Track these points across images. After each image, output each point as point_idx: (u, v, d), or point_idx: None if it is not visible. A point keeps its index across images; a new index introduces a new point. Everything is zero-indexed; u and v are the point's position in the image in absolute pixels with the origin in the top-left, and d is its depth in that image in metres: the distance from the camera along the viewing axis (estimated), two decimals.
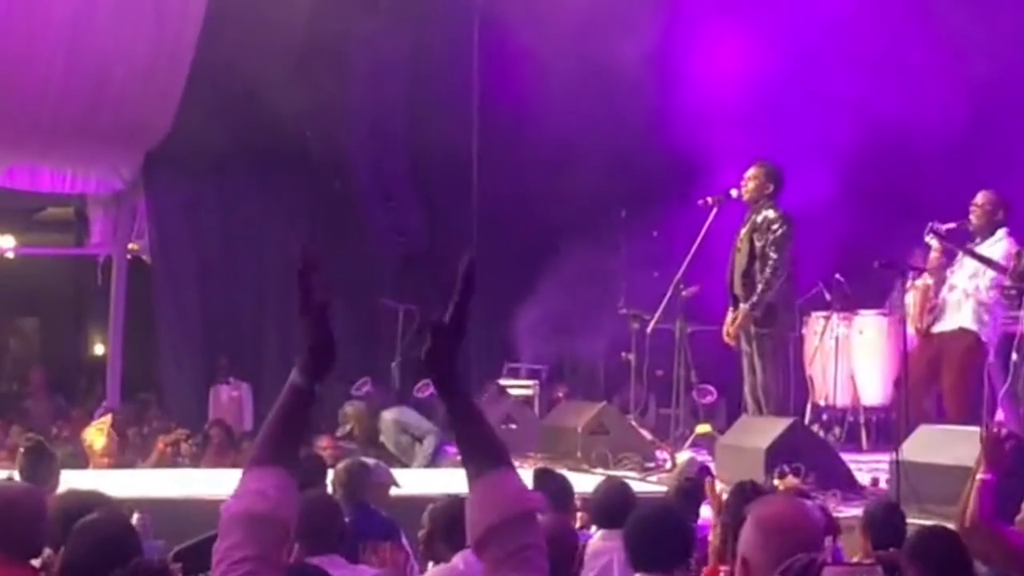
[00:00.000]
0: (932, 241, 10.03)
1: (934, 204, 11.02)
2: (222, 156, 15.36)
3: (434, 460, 12.20)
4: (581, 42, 13.93)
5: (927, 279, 10.58)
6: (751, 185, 10.73)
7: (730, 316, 10.83)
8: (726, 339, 10.94)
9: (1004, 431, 5.87)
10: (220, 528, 2.49)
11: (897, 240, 10.84)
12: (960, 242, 10.14)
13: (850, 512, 7.84)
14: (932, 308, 10.35)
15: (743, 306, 10.55)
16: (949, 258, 10.26)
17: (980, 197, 10.13)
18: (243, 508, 2.48)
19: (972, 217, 10.09)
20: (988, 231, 10.05)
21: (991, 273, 9.93)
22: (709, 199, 11.11)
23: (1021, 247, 9.88)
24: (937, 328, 10.31)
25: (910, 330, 11.00)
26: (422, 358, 2.56)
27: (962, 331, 10.11)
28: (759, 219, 10.64)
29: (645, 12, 14.21)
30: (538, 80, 14.56)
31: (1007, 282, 9.71)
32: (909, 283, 10.99)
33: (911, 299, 10.86)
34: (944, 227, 10.09)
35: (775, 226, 10.54)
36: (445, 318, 2.56)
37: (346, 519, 6.12)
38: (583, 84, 14.34)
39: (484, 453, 2.56)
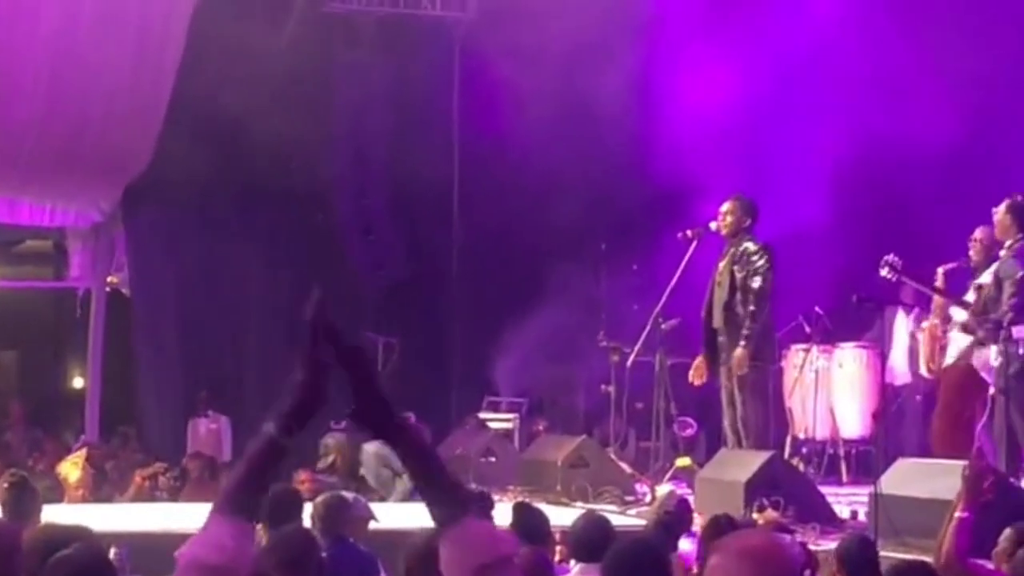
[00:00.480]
0: (888, 275, 9.89)
1: (920, 237, 10.99)
2: (202, 188, 15.31)
3: (413, 495, 12.13)
4: (561, 73, 13.98)
5: (933, 320, 10.53)
6: (728, 220, 10.76)
7: (699, 359, 10.88)
8: (692, 378, 10.96)
9: (984, 465, 5.88)
10: (176, 572, 2.48)
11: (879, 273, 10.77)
12: (918, 277, 10.07)
13: (829, 546, 7.81)
14: (943, 348, 10.30)
15: (738, 349, 10.51)
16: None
17: (979, 232, 10.02)
18: (198, 557, 2.47)
19: (971, 252, 10.01)
20: (987, 265, 9.87)
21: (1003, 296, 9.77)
22: (688, 232, 11.12)
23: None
24: (945, 364, 10.25)
25: (923, 372, 10.98)
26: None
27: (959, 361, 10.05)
28: (738, 251, 10.67)
29: (625, 43, 14.25)
30: (518, 111, 14.59)
31: (969, 316, 9.63)
32: (914, 327, 10.93)
33: (921, 340, 10.81)
34: (946, 267, 10.05)
35: (755, 257, 10.58)
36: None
37: (323, 553, 6.08)
38: (563, 115, 14.36)
39: (443, 503, 2.53)
